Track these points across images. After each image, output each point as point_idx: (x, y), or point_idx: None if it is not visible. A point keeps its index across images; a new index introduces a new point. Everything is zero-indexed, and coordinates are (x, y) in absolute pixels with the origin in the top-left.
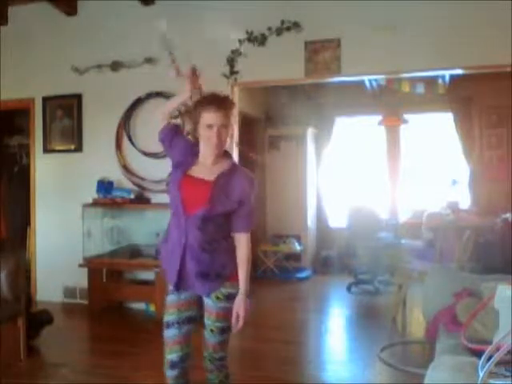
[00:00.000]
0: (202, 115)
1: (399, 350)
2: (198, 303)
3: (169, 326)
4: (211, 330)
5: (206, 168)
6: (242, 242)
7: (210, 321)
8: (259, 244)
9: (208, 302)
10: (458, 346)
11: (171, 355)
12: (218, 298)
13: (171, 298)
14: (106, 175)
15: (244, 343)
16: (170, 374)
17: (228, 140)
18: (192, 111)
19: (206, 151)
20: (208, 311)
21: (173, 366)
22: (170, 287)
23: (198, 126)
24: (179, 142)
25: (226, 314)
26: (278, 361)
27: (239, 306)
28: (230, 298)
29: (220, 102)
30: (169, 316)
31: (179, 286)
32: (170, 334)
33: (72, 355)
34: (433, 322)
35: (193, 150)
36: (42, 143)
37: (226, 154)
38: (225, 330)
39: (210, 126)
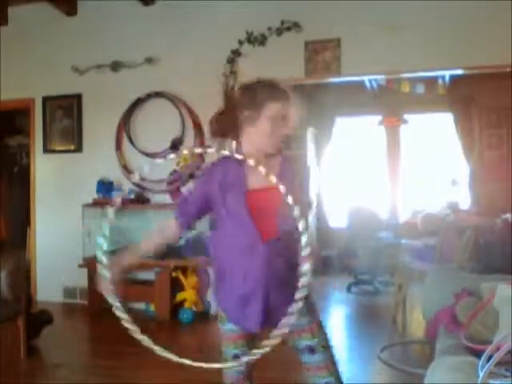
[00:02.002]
0: (269, 106)
1: (399, 349)
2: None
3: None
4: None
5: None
6: None
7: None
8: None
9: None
10: (458, 346)
11: None
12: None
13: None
14: (105, 175)
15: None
16: None
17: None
18: (247, 103)
19: (266, 149)
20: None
21: None
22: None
23: (256, 120)
24: (203, 191)
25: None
26: (278, 361)
27: None
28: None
29: (287, 92)
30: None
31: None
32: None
33: (72, 355)
34: (433, 322)
35: (228, 166)
36: (42, 143)
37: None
38: None
39: (284, 118)
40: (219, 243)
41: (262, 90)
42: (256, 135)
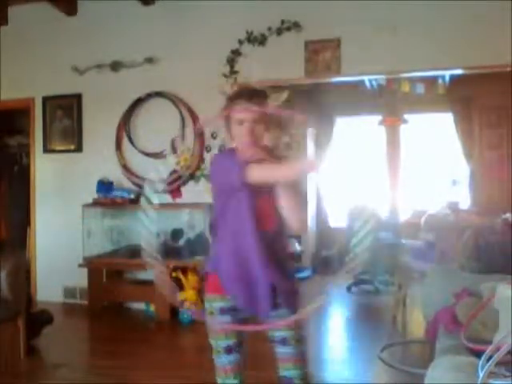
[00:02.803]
0: (232, 111)
1: (399, 350)
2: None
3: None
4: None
5: None
6: None
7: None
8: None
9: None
10: (458, 346)
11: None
12: None
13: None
14: (106, 175)
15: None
16: None
17: (267, 137)
18: (223, 109)
19: (242, 153)
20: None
21: None
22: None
23: (229, 124)
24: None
25: None
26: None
27: None
28: None
29: (251, 95)
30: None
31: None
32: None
33: (72, 355)
34: (433, 322)
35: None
36: (42, 143)
37: (268, 152)
38: None
39: (240, 122)
40: (223, 229)
41: (229, 98)
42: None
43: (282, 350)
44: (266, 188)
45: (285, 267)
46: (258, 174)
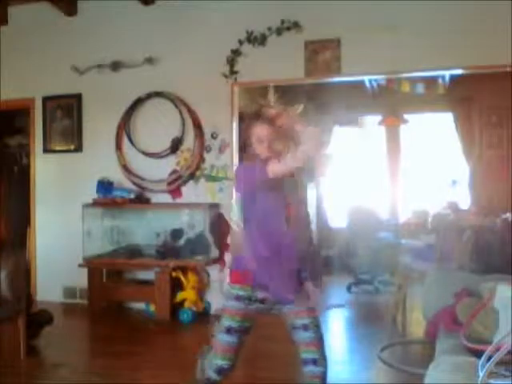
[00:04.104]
0: (252, 131)
1: (399, 350)
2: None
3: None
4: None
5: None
6: None
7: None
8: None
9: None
10: (458, 346)
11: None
12: None
13: None
14: (106, 175)
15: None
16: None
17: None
18: (244, 128)
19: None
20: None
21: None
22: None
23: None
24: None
25: None
26: (278, 360)
27: None
28: None
29: (265, 116)
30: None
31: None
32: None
33: (72, 355)
34: (433, 322)
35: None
36: (42, 143)
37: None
38: None
39: (259, 141)
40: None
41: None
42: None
43: (304, 335)
44: (291, 196)
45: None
46: (275, 168)
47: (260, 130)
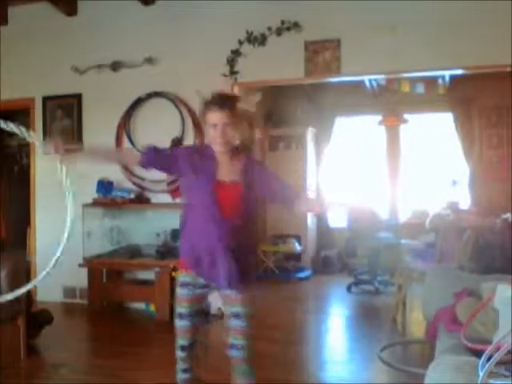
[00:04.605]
0: (207, 115)
1: (399, 350)
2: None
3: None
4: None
5: (227, 168)
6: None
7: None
8: (259, 244)
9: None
10: (458, 346)
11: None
12: None
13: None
14: (105, 175)
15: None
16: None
17: (237, 136)
18: (200, 113)
19: (217, 150)
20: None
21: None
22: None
23: (206, 127)
24: (174, 153)
25: None
26: (278, 361)
27: None
28: None
29: (222, 101)
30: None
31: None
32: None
33: (72, 355)
34: (433, 322)
35: (204, 153)
36: None
37: (237, 150)
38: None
39: (214, 126)
40: (188, 215)
41: (204, 104)
42: (207, 137)
43: (235, 323)
44: (233, 182)
45: (243, 254)
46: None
47: (214, 116)
